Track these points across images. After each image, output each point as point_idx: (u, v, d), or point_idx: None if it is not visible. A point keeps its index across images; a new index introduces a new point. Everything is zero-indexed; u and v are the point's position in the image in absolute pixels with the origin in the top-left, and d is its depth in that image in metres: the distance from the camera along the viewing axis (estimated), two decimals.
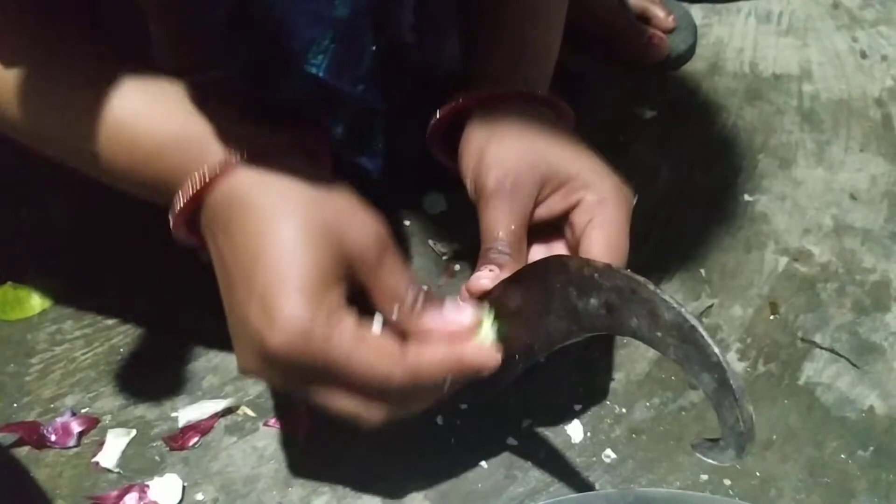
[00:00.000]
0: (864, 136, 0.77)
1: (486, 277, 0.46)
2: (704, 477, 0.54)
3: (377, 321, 0.44)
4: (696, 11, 0.89)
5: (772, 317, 0.63)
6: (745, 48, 0.87)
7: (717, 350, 0.31)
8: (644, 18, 0.85)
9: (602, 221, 0.48)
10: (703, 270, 0.66)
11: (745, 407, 0.31)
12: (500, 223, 0.48)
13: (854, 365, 0.60)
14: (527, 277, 0.41)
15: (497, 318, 0.46)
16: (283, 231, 0.41)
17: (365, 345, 0.41)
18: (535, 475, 0.54)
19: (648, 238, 0.69)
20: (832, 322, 0.63)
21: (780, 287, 0.65)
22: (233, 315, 0.44)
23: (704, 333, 0.32)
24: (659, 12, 0.84)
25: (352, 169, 0.50)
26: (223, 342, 0.60)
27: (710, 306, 0.64)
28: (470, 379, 0.45)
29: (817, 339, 0.62)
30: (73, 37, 0.45)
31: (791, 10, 0.91)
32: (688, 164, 0.74)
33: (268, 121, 0.46)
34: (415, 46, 0.58)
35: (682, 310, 0.32)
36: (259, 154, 0.43)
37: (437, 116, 0.54)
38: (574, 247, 0.50)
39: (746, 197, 0.72)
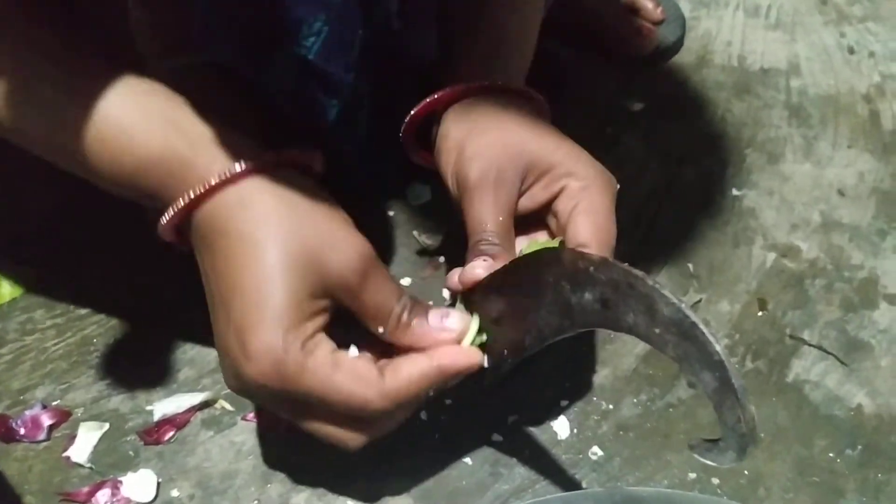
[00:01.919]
0: (852, 132, 0.77)
1: (480, 267, 0.45)
2: (692, 475, 0.53)
3: (353, 347, 0.45)
4: (685, 4, 0.89)
5: (760, 313, 0.62)
6: (734, 41, 0.86)
7: (718, 348, 0.30)
8: (633, 10, 0.84)
9: (587, 207, 0.47)
10: (690, 265, 0.65)
11: (748, 407, 0.30)
12: (487, 215, 0.47)
13: (842, 362, 0.59)
14: (518, 271, 0.40)
15: (482, 318, 0.45)
16: (262, 261, 0.41)
17: (340, 372, 0.42)
18: (520, 472, 0.53)
19: (636, 232, 0.68)
20: (820, 319, 0.62)
21: (768, 283, 0.64)
22: (216, 337, 0.44)
23: (706, 330, 0.30)
24: (648, 3, 0.83)
25: (334, 157, 0.48)
26: (199, 334, 0.59)
27: (699, 301, 0.63)
28: (455, 383, 0.45)
29: (805, 335, 0.61)
30: (56, 29, 0.43)
31: (779, 4, 0.91)
32: (676, 158, 0.74)
33: (256, 125, 0.44)
34: (399, 33, 0.56)
35: (683, 305, 0.31)
36: (244, 174, 0.42)
37: (412, 113, 0.53)
38: (559, 235, 0.49)
39: (734, 191, 0.71)
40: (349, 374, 0.42)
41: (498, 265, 0.45)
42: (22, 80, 0.42)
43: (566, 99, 0.77)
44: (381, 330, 0.44)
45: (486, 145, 0.49)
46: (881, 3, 0.91)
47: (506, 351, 0.43)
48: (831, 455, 0.55)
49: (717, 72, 0.83)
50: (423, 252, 0.65)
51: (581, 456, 0.54)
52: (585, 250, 0.44)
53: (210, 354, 0.58)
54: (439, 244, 0.65)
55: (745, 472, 0.53)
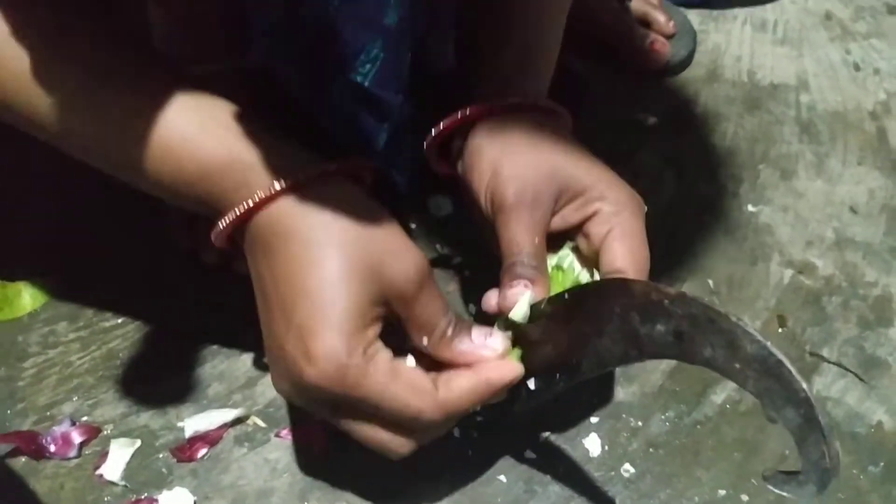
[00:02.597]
0: (861, 149, 0.79)
1: (520, 294, 0.45)
2: (722, 492, 0.54)
3: (410, 357, 0.45)
4: (693, 17, 0.89)
5: (780, 330, 0.64)
6: (743, 56, 0.87)
7: (804, 385, 0.31)
8: (645, 23, 0.84)
9: (622, 232, 0.48)
10: (710, 281, 0.66)
11: (833, 444, 0.31)
12: (524, 236, 0.48)
13: (861, 380, 0.61)
14: (582, 298, 0.40)
15: (531, 342, 0.45)
16: (326, 266, 0.41)
17: (399, 381, 0.42)
18: (554, 490, 0.53)
19: (654, 247, 0.67)
20: (839, 336, 0.63)
21: (786, 300, 0.66)
22: (270, 339, 0.44)
23: (792, 368, 0.31)
24: (660, 17, 0.84)
25: (382, 183, 0.48)
26: (228, 347, 0.59)
27: None
28: (499, 398, 0.46)
29: (825, 353, 0.62)
30: (111, 39, 0.44)
31: (785, 19, 0.92)
32: (691, 173, 0.74)
33: (312, 141, 0.44)
34: (425, 47, 0.57)
35: (768, 343, 0.32)
36: (305, 182, 0.43)
37: (441, 127, 0.53)
38: (590, 258, 0.50)
39: (750, 207, 0.72)
40: (407, 383, 0.43)
41: (536, 290, 0.45)
42: (86, 89, 0.42)
43: (581, 112, 0.77)
44: (424, 342, 0.45)
45: (523, 166, 0.49)
46: (884, 21, 0.93)
47: (559, 374, 0.43)
48: (854, 472, 0.56)
49: (728, 86, 0.84)
50: (446, 265, 0.65)
51: (613, 473, 0.55)
52: (622, 276, 0.45)
53: (240, 370, 0.58)
54: (462, 257, 0.65)
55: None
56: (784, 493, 0.34)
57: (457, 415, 0.45)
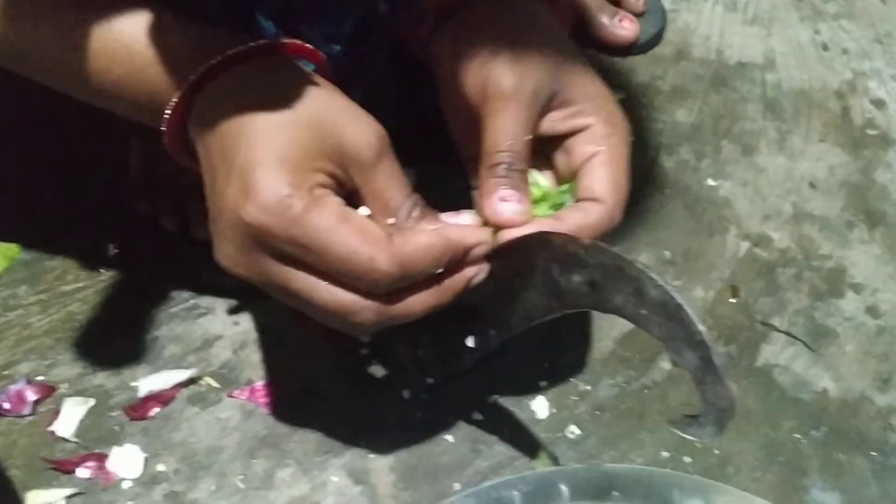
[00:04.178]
0: (824, 127, 0.79)
1: (511, 200, 0.42)
2: (665, 454, 0.55)
3: (364, 207, 0.41)
4: None
5: (732, 300, 0.65)
6: (712, 35, 0.88)
7: (702, 328, 0.32)
8: (615, 1, 0.85)
9: (610, 157, 0.44)
10: (667, 252, 0.67)
11: (729, 385, 0.32)
12: (515, 130, 0.43)
13: (809, 348, 0.62)
14: (507, 253, 0.41)
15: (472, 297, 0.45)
16: (274, 114, 0.38)
17: (349, 224, 0.38)
18: (500, 449, 0.55)
19: None
20: (790, 306, 0.64)
21: (741, 271, 0.67)
22: (213, 206, 0.41)
23: (690, 311, 0.32)
24: None
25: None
26: (186, 311, 0.60)
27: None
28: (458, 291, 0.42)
29: (775, 322, 0.63)
30: None
31: None
32: (654, 148, 0.75)
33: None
34: (387, 18, 0.57)
35: (669, 288, 0.32)
36: (256, 51, 0.40)
37: (425, 6, 0.49)
38: (567, 173, 0.46)
39: (710, 182, 0.73)
40: (358, 227, 0.38)
41: (522, 205, 0.42)
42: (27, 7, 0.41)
43: None
44: (388, 221, 0.40)
45: (524, 55, 0.44)
46: (854, 2, 0.93)
47: (492, 330, 0.44)
48: (797, 436, 0.57)
49: (696, 65, 0.84)
50: None
51: (559, 434, 0.56)
52: (600, 205, 0.44)
53: (196, 332, 0.59)
54: None
55: (716, 451, 0.55)
56: (687, 436, 0.35)
57: (413, 273, 0.39)
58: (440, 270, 0.40)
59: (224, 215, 0.39)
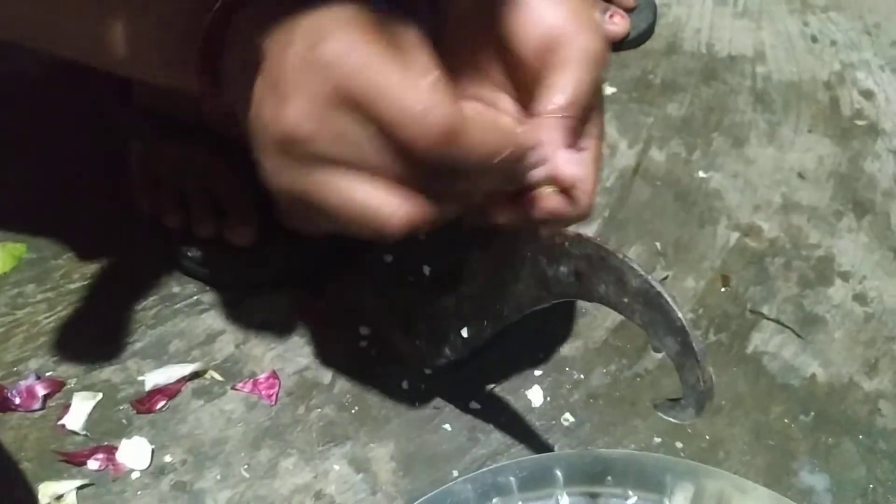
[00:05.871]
0: (813, 118, 0.81)
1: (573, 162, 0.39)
2: (657, 440, 0.57)
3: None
4: None
5: (723, 289, 0.66)
6: (703, 29, 0.89)
7: (680, 315, 0.33)
8: None
9: (573, 56, 0.41)
10: (658, 244, 0.69)
11: (706, 368, 0.33)
12: (581, 89, 0.40)
13: (798, 335, 0.63)
14: (498, 246, 0.42)
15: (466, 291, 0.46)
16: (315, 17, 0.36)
17: (403, 70, 0.34)
18: (496, 437, 0.56)
19: (605, 211, 0.71)
20: (779, 295, 0.66)
21: (731, 261, 0.68)
22: (257, 100, 0.38)
23: (669, 299, 0.34)
24: None
25: None
26: (189, 306, 0.61)
27: (665, 278, 0.66)
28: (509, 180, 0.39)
29: (765, 310, 0.65)
30: None
31: None
32: (645, 141, 0.77)
33: None
34: None
35: (649, 277, 0.34)
36: None
37: None
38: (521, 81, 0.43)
39: (701, 174, 0.74)
40: (416, 74, 0.34)
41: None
42: None
43: None
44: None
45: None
46: None
47: (486, 321, 0.46)
48: (786, 421, 0.58)
49: (687, 58, 0.86)
50: None
51: (554, 422, 0.57)
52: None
53: (199, 327, 0.60)
54: None
55: (707, 436, 0.57)
56: (669, 418, 0.36)
57: (466, 148, 0.34)
58: (495, 160, 0.35)
59: (287, 76, 0.36)
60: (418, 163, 0.35)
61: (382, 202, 0.36)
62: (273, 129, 0.36)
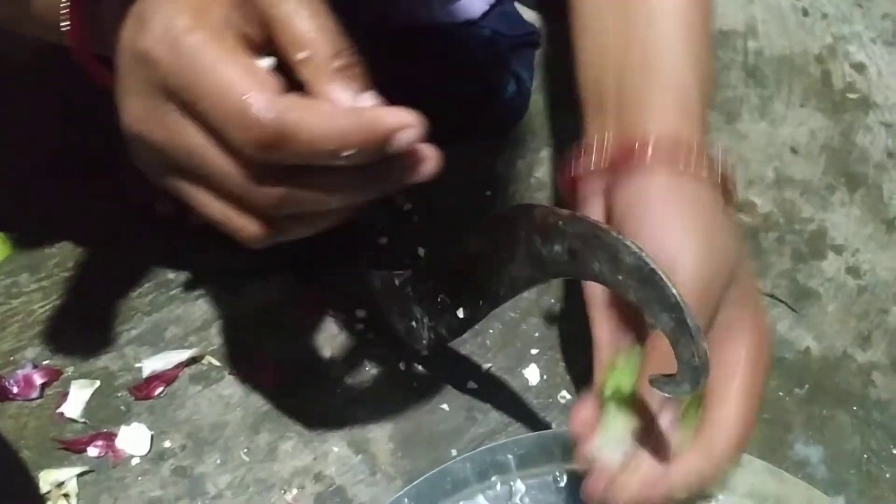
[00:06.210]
0: (805, 92, 0.81)
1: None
2: None
3: (267, 60, 0.33)
4: None
5: None
6: None
7: (675, 291, 0.34)
8: None
9: (749, 383, 0.43)
10: None
11: (701, 343, 0.33)
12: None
13: (792, 309, 0.64)
14: (492, 227, 0.43)
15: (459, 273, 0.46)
16: None
17: (234, 60, 0.31)
18: (494, 416, 0.56)
19: None
20: (773, 269, 0.66)
21: None
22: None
23: (664, 276, 0.34)
24: None
25: None
26: (185, 293, 0.61)
27: None
28: (383, 178, 0.34)
29: (759, 285, 0.65)
30: None
31: None
32: None
33: None
34: None
35: (643, 254, 0.34)
36: None
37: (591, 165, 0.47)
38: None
39: None
40: (243, 65, 0.31)
41: None
42: None
43: (533, 62, 0.79)
44: (298, 57, 0.32)
45: (717, 240, 0.43)
46: None
47: (481, 301, 0.46)
48: (781, 394, 0.59)
49: None
50: (399, 212, 0.67)
51: (551, 400, 0.58)
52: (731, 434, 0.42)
53: (196, 313, 0.60)
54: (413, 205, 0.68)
55: None
56: (665, 394, 0.36)
57: (299, 140, 0.30)
58: (349, 153, 0.31)
59: (123, 55, 0.34)
60: (259, 166, 0.32)
61: (230, 215, 0.35)
62: (128, 52, 0.34)
